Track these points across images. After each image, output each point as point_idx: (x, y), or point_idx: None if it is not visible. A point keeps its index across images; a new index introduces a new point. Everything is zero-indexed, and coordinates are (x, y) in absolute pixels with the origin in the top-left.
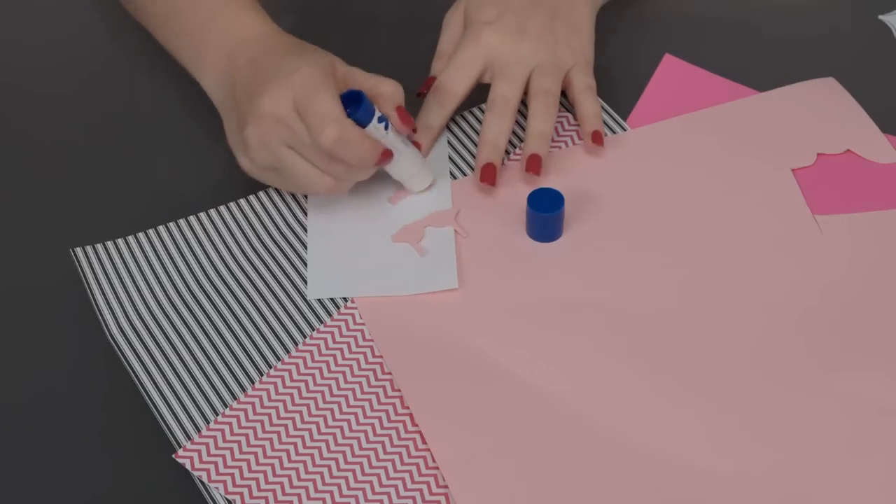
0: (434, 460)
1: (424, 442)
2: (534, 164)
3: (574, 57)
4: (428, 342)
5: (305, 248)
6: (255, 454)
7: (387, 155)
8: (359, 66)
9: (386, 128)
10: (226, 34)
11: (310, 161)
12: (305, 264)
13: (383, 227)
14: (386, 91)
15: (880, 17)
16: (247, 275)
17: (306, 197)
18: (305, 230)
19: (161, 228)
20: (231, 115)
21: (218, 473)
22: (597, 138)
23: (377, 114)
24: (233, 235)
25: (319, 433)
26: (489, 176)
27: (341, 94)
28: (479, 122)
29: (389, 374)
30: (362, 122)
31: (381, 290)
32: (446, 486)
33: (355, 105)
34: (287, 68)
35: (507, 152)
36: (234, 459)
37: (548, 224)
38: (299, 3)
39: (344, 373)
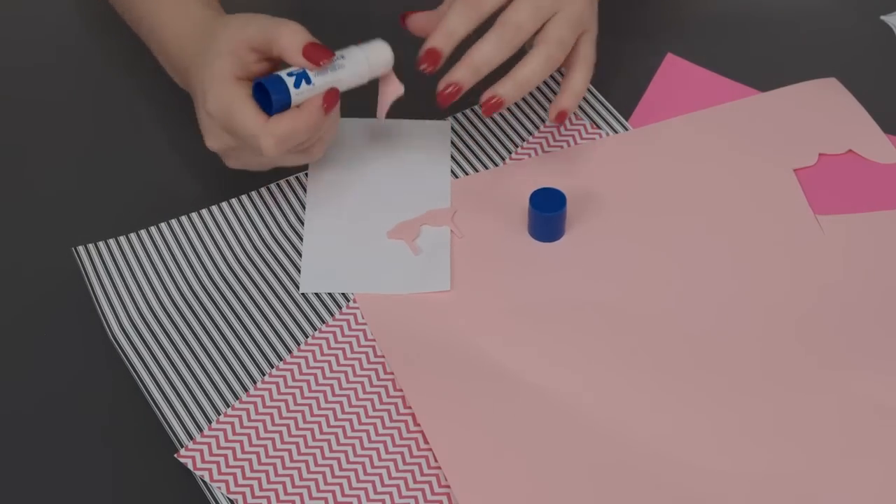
0: (436, 460)
1: (426, 442)
2: (493, 107)
3: (591, 22)
4: (429, 342)
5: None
6: (257, 454)
7: (329, 100)
8: None
9: (308, 81)
10: (179, 28)
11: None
12: None
13: (379, 224)
14: (284, 45)
15: (882, 17)
16: (248, 274)
17: (305, 191)
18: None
19: (163, 225)
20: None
21: (220, 473)
22: (560, 117)
23: (290, 79)
24: (234, 233)
25: (321, 433)
26: (445, 94)
27: (254, 84)
28: (481, 121)
29: (391, 374)
30: (285, 105)
31: (374, 288)
32: (448, 487)
33: (265, 99)
34: (200, 87)
35: (510, 151)
36: (236, 459)
37: (550, 224)
38: (296, 4)
39: (345, 373)
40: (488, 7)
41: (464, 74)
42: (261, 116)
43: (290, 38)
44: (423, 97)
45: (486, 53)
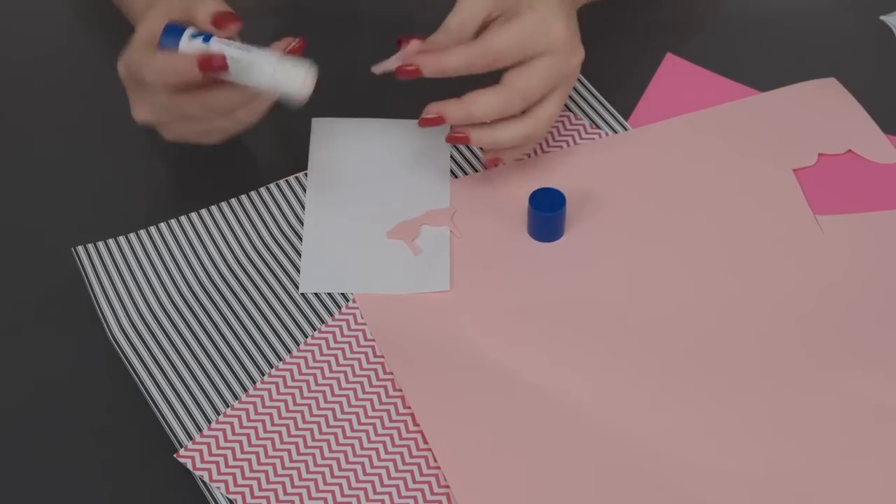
0: (435, 460)
1: (426, 442)
2: (458, 140)
3: (572, 76)
4: (429, 342)
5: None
6: (257, 454)
7: (209, 62)
8: (346, 66)
9: (206, 40)
10: None
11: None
12: None
13: (379, 224)
14: (200, 17)
15: (881, 17)
16: (248, 274)
17: (305, 191)
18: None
19: (163, 225)
20: None
21: (219, 473)
22: (491, 163)
23: (188, 31)
24: (234, 233)
25: (321, 433)
26: (427, 123)
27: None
28: None
29: (390, 374)
30: (173, 45)
31: (374, 288)
32: (448, 487)
33: (162, 37)
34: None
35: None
36: (235, 459)
37: (549, 224)
38: (289, 3)
39: (345, 373)
40: (499, 67)
41: (456, 116)
42: (151, 44)
43: (206, 9)
44: (423, 98)
45: (485, 108)
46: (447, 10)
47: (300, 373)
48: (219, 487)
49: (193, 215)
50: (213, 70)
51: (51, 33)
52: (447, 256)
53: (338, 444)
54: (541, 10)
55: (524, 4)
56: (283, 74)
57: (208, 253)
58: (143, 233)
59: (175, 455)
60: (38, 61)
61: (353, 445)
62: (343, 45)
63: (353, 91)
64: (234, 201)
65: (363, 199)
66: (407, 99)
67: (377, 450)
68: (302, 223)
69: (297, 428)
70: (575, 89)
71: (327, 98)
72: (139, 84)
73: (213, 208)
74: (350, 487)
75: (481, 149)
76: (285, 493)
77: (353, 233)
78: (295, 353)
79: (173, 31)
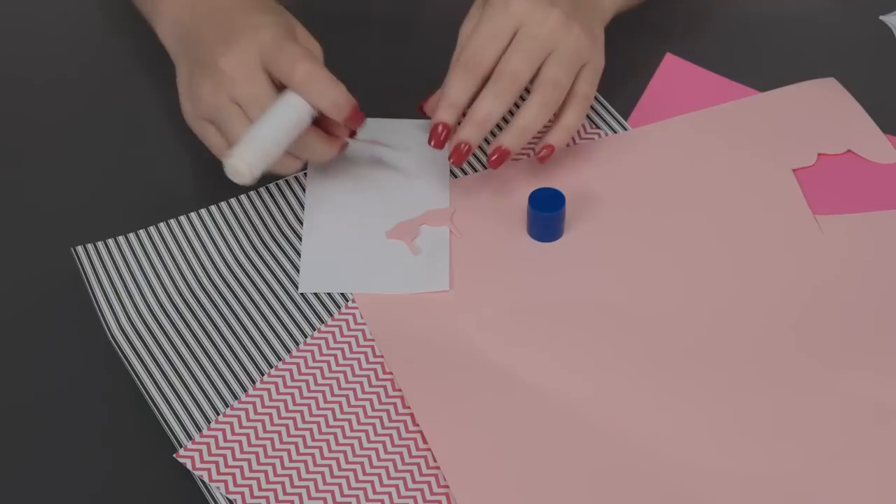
0: (435, 460)
1: (425, 442)
2: (500, 159)
3: (591, 54)
4: (428, 342)
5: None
6: (256, 454)
7: (357, 114)
8: (354, 67)
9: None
10: None
11: (249, 120)
12: None
13: (379, 224)
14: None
15: (881, 17)
16: (247, 274)
17: (304, 190)
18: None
19: (162, 225)
20: (185, 61)
21: (219, 473)
22: (547, 152)
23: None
24: (233, 233)
25: (320, 433)
26: (460, 156)
27: None
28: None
29: (390, 374)
30: None
31: (373, 287)
32: (447, 487)
33: None
34: (254, 23)
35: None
36: (234, 459)
37: (549, 224)
38: (294, 4)
39: (345, 373)
40: (485, 67)
41: (469, 133)
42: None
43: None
44: (422, 97)
45: (487, 108)
46: (454, 11)
47: (300, 373)
48: (218, 487)
49: (193, 215)
50: (353, 123)
51: (52, 32)
52: (447, 256)
53: (338, 443)
54: (494, 6)
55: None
56: (247, 152)
57: (208, 253)
58: (142, 233)
59: (175, 455)
60: (39, 60)
61: (352, 445)
62: (350, 46)
63: (358, 92)
64: (233, 201)
65: (363, 199)
66: (411, 100)
67: (377, 449)
68: (302, 223)
69: (296, 428)
70: None
71: None
72: (249, 74)
73: (213, 208)
74: (350, 487)
75: (534, 150)
76: (285, 493)
77: (352, 233)
78: (295, 353)
79: None
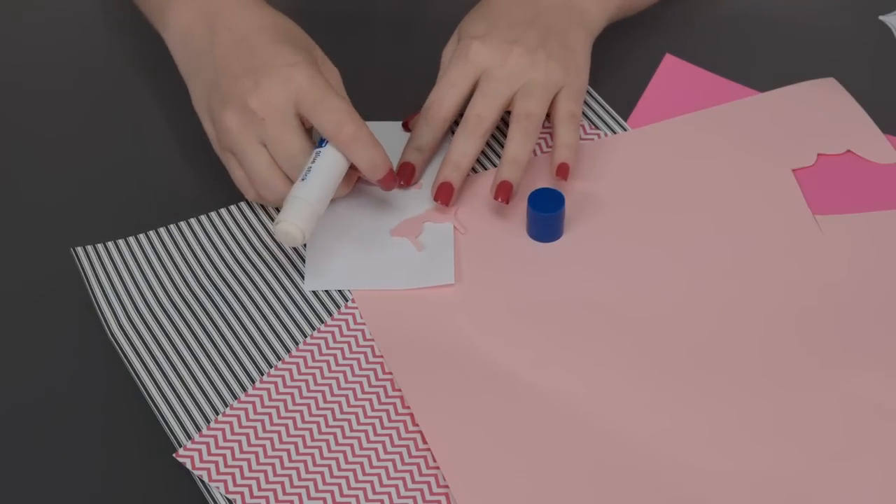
0: (435, 460)
1: (425, 442)
2: (503, 191)
3: (565, 77)
4: (428, 342)
5: (305, 246)
6: (256, 454)
7: (392, 177)
8: (355, 67)
9: (320, 143)
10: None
11: (275, 163)
12: (304, 260)
13: (382, 222)
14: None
15: (880, 17)
16: (247, 274)
17: None
18: None
19: (162, 230)
20: (199, 80)
21: (218, 473)
22: (562, 171)
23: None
24: (233, 236)
25: (320, 433)
26: (444, 195)
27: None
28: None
29: (390, 373)
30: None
31: (378, 284)
32: (447, 486)
33: None
34: (285, 60)
35: (475, 170)
36: (234, 459)
37: (548, 224)
38: (296, 3)
39: (344, 372)
40: (445, 114)
41: (448, 172)
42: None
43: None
44: (422, 97)
45: (460, 149)
46: (455, 10)
47: (300, 372)
48: (218, 487)
49: (193, 221)
50: (385, 185)
51: (54, 35)
52: (451, 250)
53: (337, 443)
54: (456, 55)
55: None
56: (292, 222)
57: (207, 253)
58: (142, 236)
59: (174, 455)
60: (39, 63)
61: (352, 445)
62: (353, 46)
63: (359, 92)
64: (233, 207)
65: (366, 198)
66: (412, 100)
67: (377, 449)
68: None
69: (296, 427)
70: None
71: None
72: (281, 118)
73: (213, 214)
74: (350, 487)
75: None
76: (285, 493)
77: (356, 231)
78: (295, 352)
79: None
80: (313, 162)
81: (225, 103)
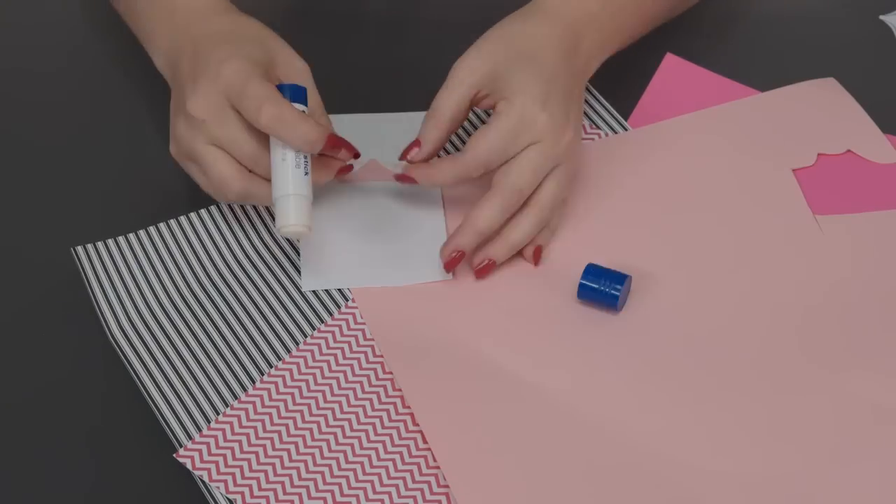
0: (435, 460)
1: (425, 442)
2: (487, 269)
3: (581, 161)
4: (429, 342)
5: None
6: (256, 454)
7: (334, 143)
8: (346, 66)
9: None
10: (171, 11)
11: (234, 160)
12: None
13: (376, 219)
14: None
15: (880, 17)
16: (247, 273)
17: None
18: None
19: (162, 226)
20: (172, 95)
21: (219, 473)
22: (537, 255)
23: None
24: (233, 233)
25: (320, 433)
26: (454, 264)
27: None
28: (479, 118)
29: (390, 373)
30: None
31: (375, 281)
32: (447, 486)
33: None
34: (218, 58)
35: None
36: (234, 459)
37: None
38: (295, 3)
39: (344, 372)
40: (486, 170)
41: (467, 241)
42: (278, 92)
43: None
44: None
45: (491, 219)
46: (449, 10)
47: (300, 372)
48: (218, 487)
49: (193, 216)
50: (336, 152)
51: (54, 34)
52: None
53: (337, 443)
54: (519, 104)
55: (505, 93)
56: (290, 210)
57: (207, 253)
58: (142, 233)
59: (174, 455)
60: (39, 62)
61: (352, 445)
62: (346, 45)
63: (355, 90)
64: (233, 203)
65: (359, 195)
66: (407, 98)
67: (377, 449)
68: None
69: (296, 427)
70: None
71: (332, 97)
72: (219, 115)
73: (213, 209)
74: (350, 487)
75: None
76: (285, 493)
77: (350, 229)
78: (295, 352)
79: (299, 93)
80: (284, 153)
81: (176, 113)
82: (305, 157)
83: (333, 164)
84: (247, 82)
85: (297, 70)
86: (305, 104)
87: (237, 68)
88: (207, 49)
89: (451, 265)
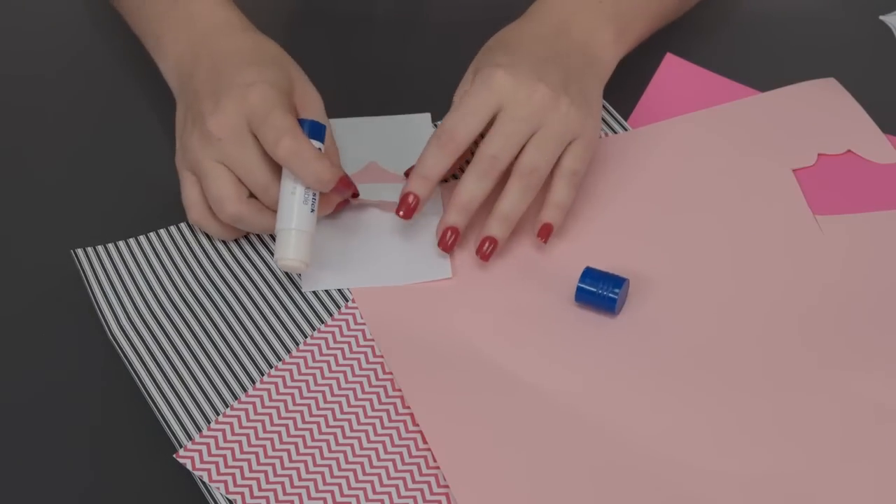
0: (435, 460)
1: (425, 442)
2: (492, 250)
3: (580, 129)
4: (428, 342)
5: None
6: (256, 454)
7: (345, 184)
8: (350, 68)
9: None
10: (187, 20)
11: (238, 182)
12: None
13: (374, 219)
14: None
15: (880, 17)
16: (247, 274)
17: None
18: None
19: (162, 232)
20: (182, 105)
21: (219, 473)
22: (543, 232)
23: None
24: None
25: (320, 433)
26: (447, 243)
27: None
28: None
29: (390, 374)
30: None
31: (375, 281)
32: (447, 487)
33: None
34: (244, 81)
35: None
36: (234, 459)
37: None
38: (300, 4)
39: (344, 373)
40: (459, 143)
41: (456, 218)
42: (299, 126)
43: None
44: (423, 97)
45: (470, 191)
46: (457, 12)
47: (300, 372)
48: (218, 487)
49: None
50: (341, 195)
51: (54, 36)
52: None
53: (337, 443)
54: (481, 74)
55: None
56: (289, 246)
57: (207, 255)
58: (142, 238)
59: (174, 455)
60: (39, 64)
61: (352, 445)
62: (351, 47)
63: (359, 93)
64: None
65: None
66: (412, 100)
67: (377, 449)
68: None
69: (296, 427)
70: None
71: (336, 99)
72: (238, 138)
73: None
74: (350, 487)
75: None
76: (285, 493)
77: (348, 229)
78: (295, 352)
79: (318, 129)
80: (294, 186)
81: (194, 124)
82: (314, 194)
83: (334, 199)
84: (271, 111)
85: (312, 99)
86: (322, 141)
87: (264, 95)
88: (231, 68)
89: (444, 244)
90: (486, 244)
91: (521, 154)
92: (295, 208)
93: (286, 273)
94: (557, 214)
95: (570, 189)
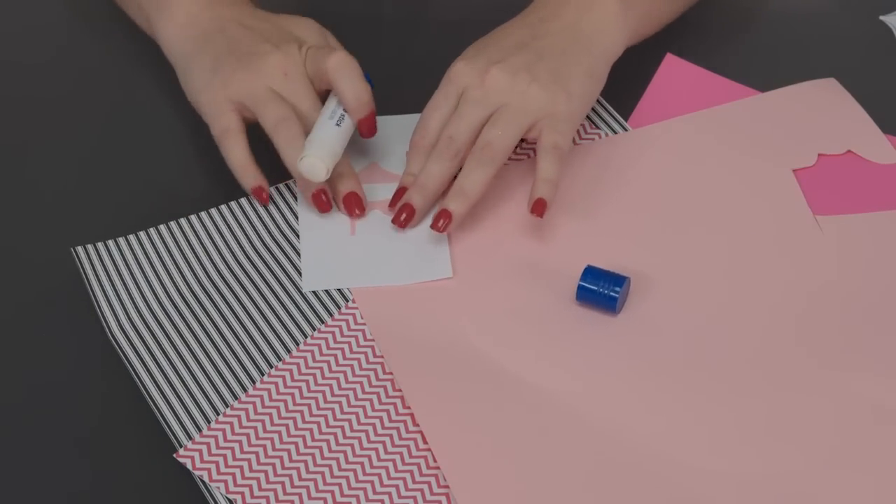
0: (435, 460)
1: (425, 442)
2: (445, 223)
3: (548, 105)
4: (429, 342)
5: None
6: (256, 454)
7: (371, 122)
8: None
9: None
10: None
11: (290, 114)
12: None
13: (374, 218)
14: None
15: (881, 17)
16: (247, 274)
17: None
18: None
19: (162, 227)
20: (205, 57)
21: (219, 473)
22: (537, 207)
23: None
24: (233, 234)
25: (320, 433)
26: (400, 220)
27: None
28: None
29: (390, 374)
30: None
31: (376, 281)
32: (447, 487)
33: None
34: (301, 34)
35: None
36: (234, 459)
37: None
38: (302, 4)
39: (345, 373)
40: (430, 138)
41: (412, 195)
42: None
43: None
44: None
45: (429, 171)
46: (464, 12)
47: (300, 372)
48: (218, 487)
49: (193, 217)
50: (364, 127)
51: (52, 34)
52: (446, 244)
53: (338, 443)
54: (444, 77)
55: None
56: (316, 155)
57: (208, 253)
58: (142, 234)
59: (174, 455)
60: (39, 63)
61: (352, 445)
62: (355, 46)
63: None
64: (233, 204)
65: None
66: (414, 98)
67: (377, 449)
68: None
69: (296, 428)
70: None
71: None
72: (296, 76)
73: (213, 211)
74: (350, 487)
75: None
76: (285, 493)
77: (351, 229)
78: (295, 353)
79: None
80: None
81: (240, 63)
82: (348, 123)
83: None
84: (322, 47)
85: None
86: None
87: (322, 34)
88: (280, 17)
89: (398, 221)
90: (441, 219)
91: (482, 133)
92: (328, 126)
93: (286, 274)
94: (547, 188)
95: (555, 163)
